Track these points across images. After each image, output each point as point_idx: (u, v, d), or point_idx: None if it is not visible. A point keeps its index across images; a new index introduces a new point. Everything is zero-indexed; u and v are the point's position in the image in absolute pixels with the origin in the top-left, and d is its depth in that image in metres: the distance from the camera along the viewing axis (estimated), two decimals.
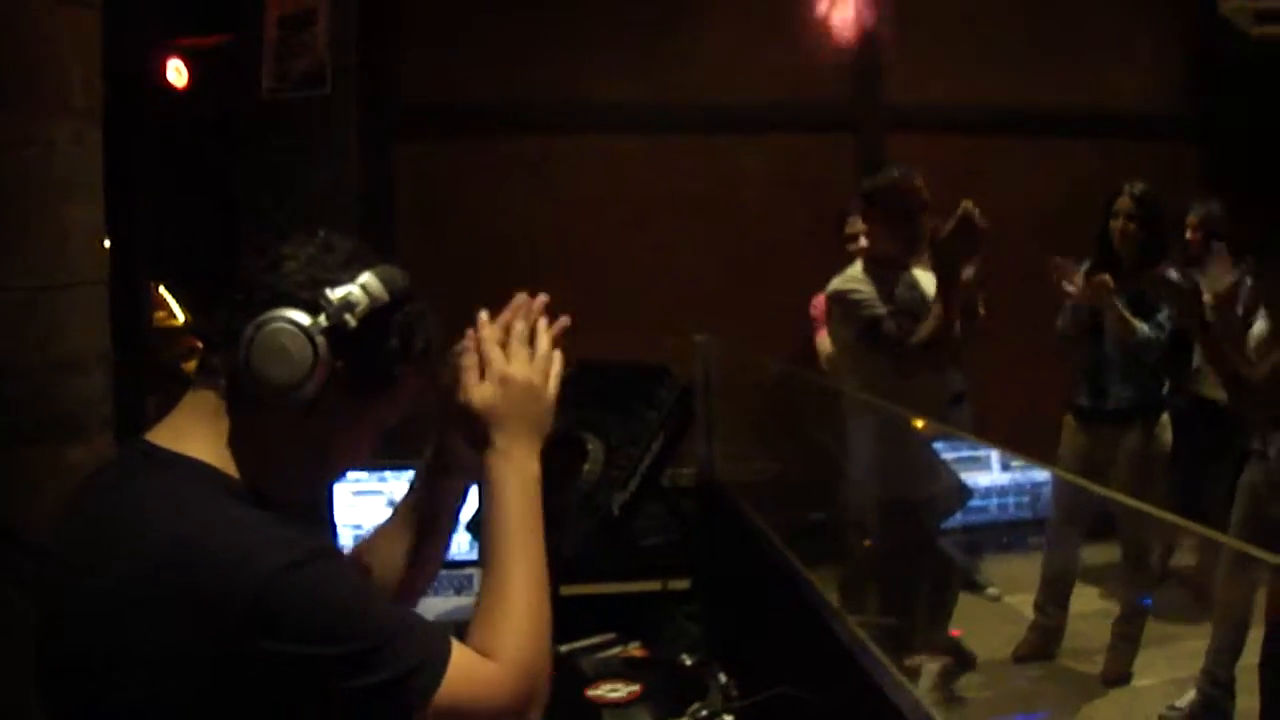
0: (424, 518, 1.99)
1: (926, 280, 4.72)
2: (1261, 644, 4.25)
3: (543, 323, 1.93)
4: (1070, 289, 5.49)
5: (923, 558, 4.73)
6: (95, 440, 3.61)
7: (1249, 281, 4.79)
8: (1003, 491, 7.04)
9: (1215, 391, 5.64)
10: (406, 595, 1.99)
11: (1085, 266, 5.54)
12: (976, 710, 5.26)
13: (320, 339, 1.60)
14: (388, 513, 2.11)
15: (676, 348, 4.25)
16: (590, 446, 3.14)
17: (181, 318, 7.19)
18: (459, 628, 1.69)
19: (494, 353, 1.84)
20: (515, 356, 1.85)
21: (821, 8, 7.61)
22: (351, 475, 3.78)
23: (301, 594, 1.47)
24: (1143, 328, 5.33)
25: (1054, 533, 5.80)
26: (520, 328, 1.89)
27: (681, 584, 3.68)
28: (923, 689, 4.80)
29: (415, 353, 1.73)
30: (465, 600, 3.49)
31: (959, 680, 5.45)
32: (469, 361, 1.84)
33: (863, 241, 5.48)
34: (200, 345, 3.03)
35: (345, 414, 1.69)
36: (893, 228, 4.71)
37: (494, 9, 7.31)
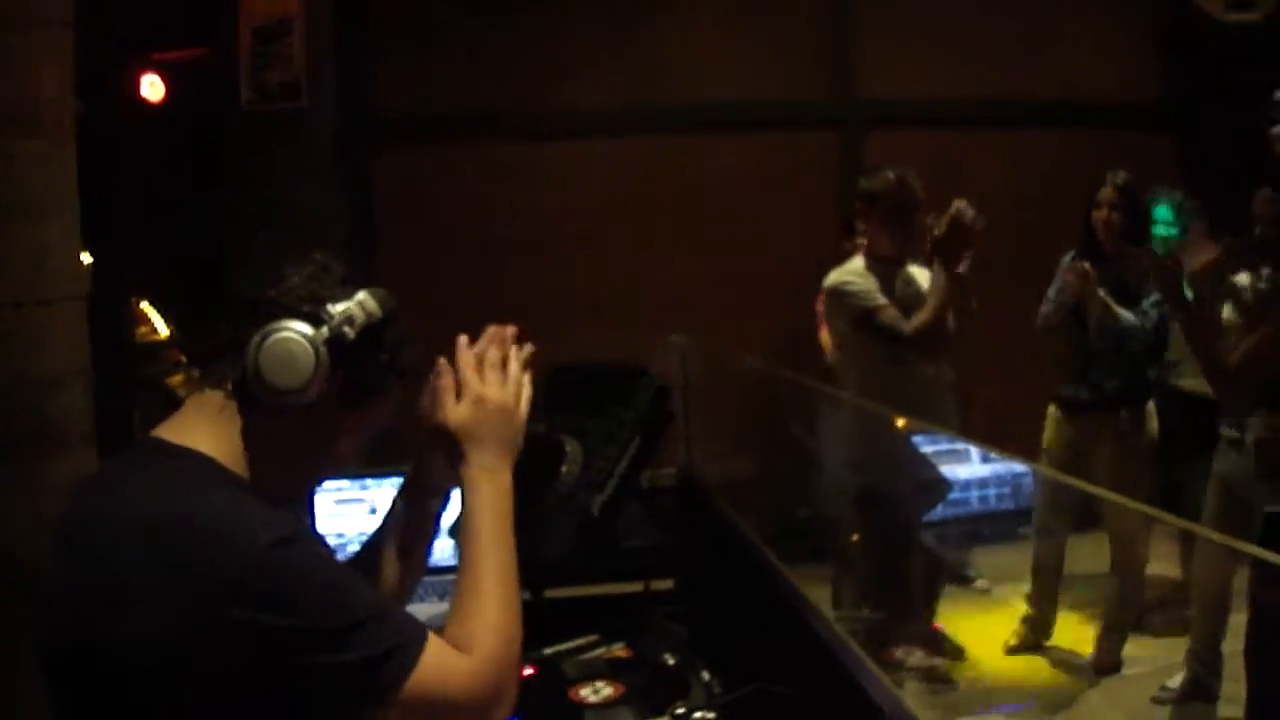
0: (406, 529, 2.13)
1: (923, 277, 4.88)
2: (1245, 631, 4.28)
3: (514, 349, 2.07)
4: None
5: (904, 551, 4.79)
6: (77, 455, 3.61)
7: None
8: (983, 483, 7.05)
9: (1191, 384, 5.65)
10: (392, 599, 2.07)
11: (1068, 257, 5.56)
12: (968, 701, 5.28)
13: (323, 349, 1.77)
14: (370, 520, 2.20)
15: (654, 348, 4.28)
16: (568, 448, 3.14)
17: (165, 332, 7.18)
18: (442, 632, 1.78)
19: (470, 376, 2.00)
20: (489, 380, 2.01)
21: (796, 6, 7.65)
22: (333, 484, 3.80)
23: (283, 570, 1.62)
24: (1127, 315, 5.34)
25: (1041, 524, 5.82)
26: (494, 354, 2.04)
27: (665, 584, 3.70)
28: (910, 681, 4.84)
29: (403, 367, 1.91)
30: (448, 606, 3.50)
31: (947, 672, 5.49)
32: (446, 384, 2.00)
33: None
34: (184, 359, 3.05)
35: (339, 419, 1.87)
36: (890, 227, 4.93)
37: (467, 17, 7.32)
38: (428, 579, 2.45)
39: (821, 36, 7.77)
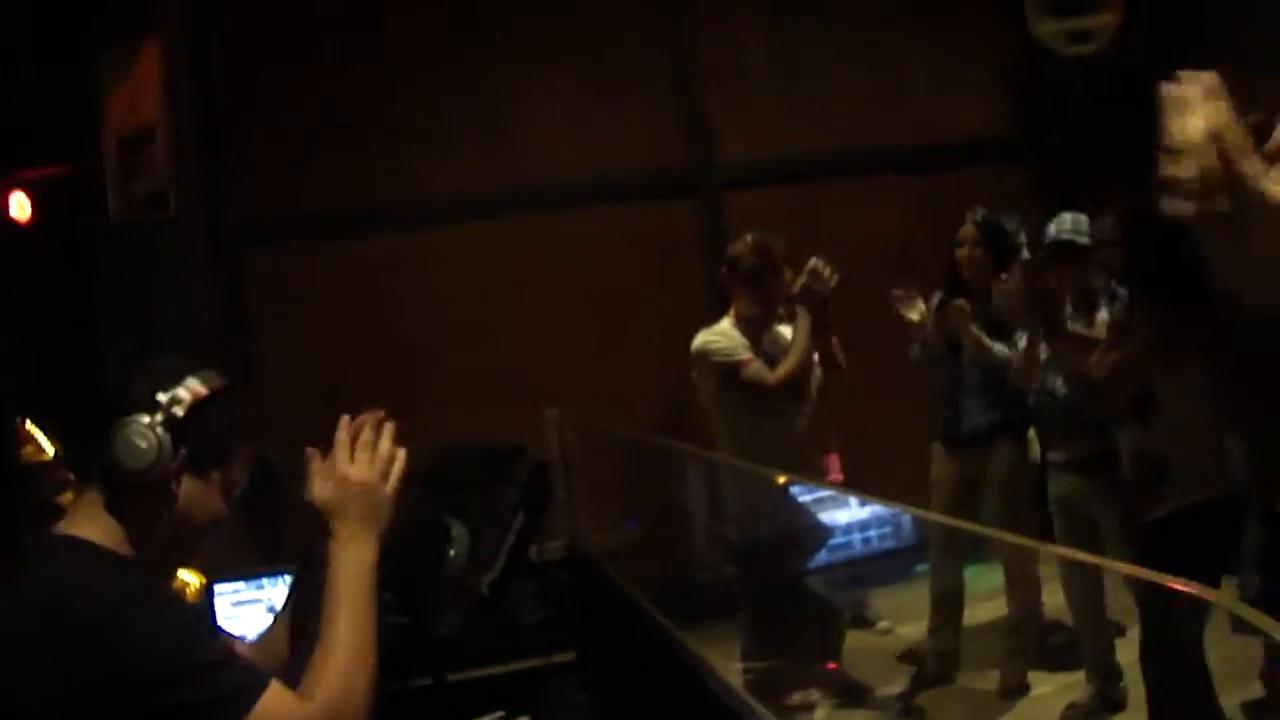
0: (295, 601, 2.35)
1: (790, 334, 5.01)
2: (1139, 640, 4.43)
3: (385, 428, 2.29)
4: (914, 317, 5.64)
5: (792, 599, 4.88)
6: None
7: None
8: (864, 526, 7.09)
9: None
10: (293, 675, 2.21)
11: (938, 297, 5.68)
12: None
13: (159, 431, 2.03)
14: (267, 618, 2.31)
15: (534, 424, 4.36)
16: (453, 531, 3.19)
17: (50, 451, 7.09)
18: None
19: (340, 456, 2.23)
20: (357, 459, 2.23)
21: (646, 78, 7.76)
22: (230, 586, 3.83)
23: (130, 619, 1.92)
24: (1000, 348, 5.47)
25: (935, 559, 5.91)
26: (366, 434, 2.26)
27: (565, 656, 3.75)
28: None
29: (240, 429, 2.20)
30: None
31: (854, 713, 5.56)
32: (316, 466, 2.23)
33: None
34: (72, 476, 3.13)
35: (196, 485, 2.13)
36: (752, 289, 5.06)
37: (327, 116, 7.36)
38: None
39: (676, 104, 7.91)
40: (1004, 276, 5.29)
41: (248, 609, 3.81)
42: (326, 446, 2.25)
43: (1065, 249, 5.07)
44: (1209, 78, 1.19)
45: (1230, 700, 4.30)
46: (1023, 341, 5.25)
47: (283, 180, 7.35)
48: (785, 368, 4.90)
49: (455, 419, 6.27)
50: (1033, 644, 5.71)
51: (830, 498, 6.42)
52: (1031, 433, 5.68)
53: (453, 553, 3.12)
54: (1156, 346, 4.23)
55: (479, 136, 7.55)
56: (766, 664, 4.99)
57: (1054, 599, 5.63)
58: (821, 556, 5.51)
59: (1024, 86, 8.12)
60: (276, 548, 2.34)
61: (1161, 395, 4.27)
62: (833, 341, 5.41)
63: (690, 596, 4.23)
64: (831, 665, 5.76)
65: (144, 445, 2.03)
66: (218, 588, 3.89)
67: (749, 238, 5.17)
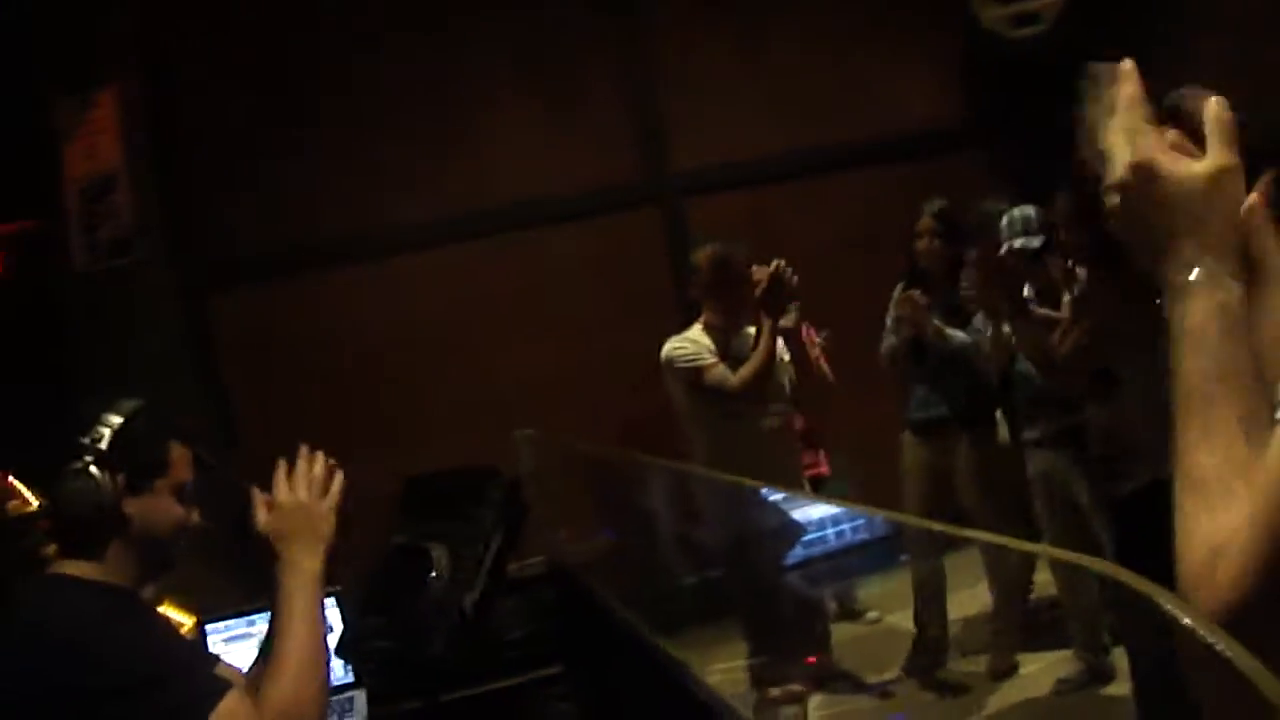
0: (270, 627, 2.43)
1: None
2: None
3: (318, 455, 2.48)
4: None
5: (770, 596, 4.94)
6: None
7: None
8: (836, 520, 7.11)
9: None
10: None
11: (898, 289, 5.74)
12: None
13: (92, 468, 2.25)
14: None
15: (507, 445, 4.42)
16: (434, 554, 3.26)
17: (34, 503, 7.13)
18: None
19: (279, 484, 2.45)
20: (294, 485, 2.44)
21: (600, 91, 7.81)
22: (222, 624, 3.89)
23: (101, 636, 2.17)
24: (960, 335, 5.54)
25: (914, 547, 5.97)
26: (301, 466, 2.46)
27: (551, 670, 3.80)
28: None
29: (166, 435, 2.40)
30: None
31: (847, 704, 5.61)
32: (258, 498, 2.45)
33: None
34: (55, 526, 3.19)
35: (144, 501, 2.33)
36: (717, 297, 5.12)
37: (286, 152, 7.36)
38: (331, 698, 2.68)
39: (632, 117, 7.94)
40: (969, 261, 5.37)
41: (240, 644, 3.85)
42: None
43: (1019, 257, 5.10)
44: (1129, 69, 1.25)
45: None
46: (986, 329, 5.31)
47: (247, 218, 7.36)
48: (747, 371, 4.96)
49: (430, 443, 6.31)
50: (1017, 626, 5.76)
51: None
52: (998, 415, 5.75)
53: (434, 575, 3.19)
54: (1116, 324, 4.28)
55: (439, 162, 7.54)
56: (748, 661, 5.05)
57: (1045, 574, 5.70)
58: (800, 552, 5.55)
59: (974, 74, 8.18)
60: (268, 583, 2.43)
61: (1124, 372, 4.31)
62: (820, 359, 5.57)
63: (667, 602, 4.28)
64: (811, 659, 5.82)
65: (81, 486, 2.25)
66: (210, 626, 3.94)
67: (708, 249, 5.24)
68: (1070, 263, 4.91)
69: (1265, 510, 1.03)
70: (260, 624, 3.87)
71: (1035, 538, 5.41)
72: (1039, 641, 5.76)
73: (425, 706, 3.60)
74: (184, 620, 3.91)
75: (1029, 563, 5.78)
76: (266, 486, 2.49)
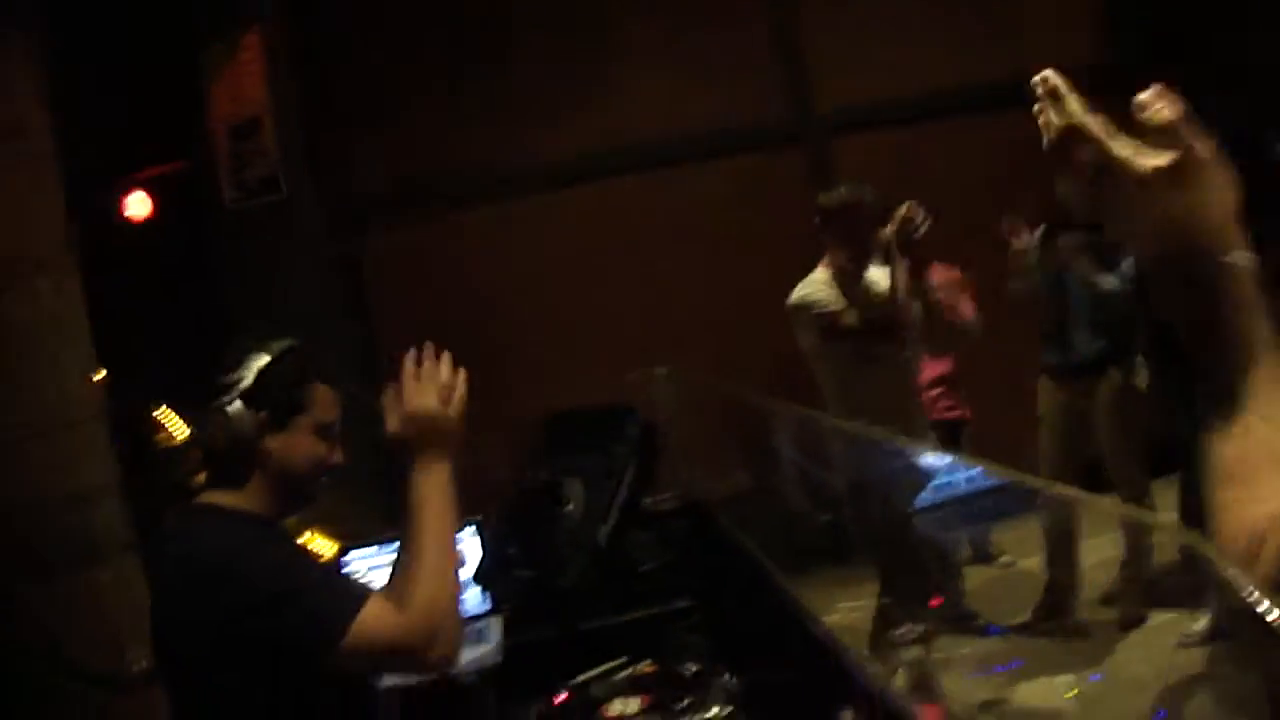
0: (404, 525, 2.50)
1: (885, 277, 5.07)
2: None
3: (444, 358, 2.52)
4: (1019, 246, 5.65)
5: (900, 539, 4.96)
6: (118, 562, 3.83)
7: None
8: (968, 464, 7.06)
9: None
10: None
11: (1043, 229, 5.70)
12: (1001, 675, 5.39)
13: (236, 404, 2.38)
14: None
15: (645, 383, 4.48)
16: (570, 489, 3.37)
17: (183, 434, 7.37)
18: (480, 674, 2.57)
19: (406, 392, 2.48)
20: (422, 392, 2.47)
21: (744, 30, 7.80)
22: (364, 552, 4.02)
23: (246, 560, 2.30)
24: (1106, 279, 5.49)
25: (1046, 493, 5.94)
26: (428, 369, 2.50)
27: (683, 602, 3.88)
28: (934, 661, 4.99)
29: (309, 376, 2.48)
30: (482, 649, 3.70)
31: (974, 646, 5.63)
32: (388, 404, 2.50)
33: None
34: (204, 457, 3.32)
35: (285, 437, 2.43)
36: (847, 241, 5.11)
37: (432, 86, 7.50)
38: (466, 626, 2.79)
39: (773, 55, 7.91)
40: None
41: (380, 572, 3.97)
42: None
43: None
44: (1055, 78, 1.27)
45: None
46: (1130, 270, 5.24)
47: (391, 155, 7.51)
48: (876, 313, 4.96)
49: (569, 380, 6.40)
50: (1147, 573, 5.72)
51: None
52: (1138, 361, 5.70)
53: (570, 508, 3.29)
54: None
55: (580, 99, 7.59)
56: (874, 601, 5.08)
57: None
58: (931, 496, 5.55)
59: (1120, 11, 8.02)
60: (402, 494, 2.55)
61: None
62: (961, 301, 5.58)
63: (795, 541, 4.32)
64: (936, 601, 5.84)
65: (225, 421, 2.38)
66: (350, 554, 4.07)
67: (840, 190, 5.22)
68: None
69: None
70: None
71: None
72: (1170, 596, 5.66)
73: (558, 635, 3.71)
74: (326, 548, 4.05)
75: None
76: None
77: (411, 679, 3.32)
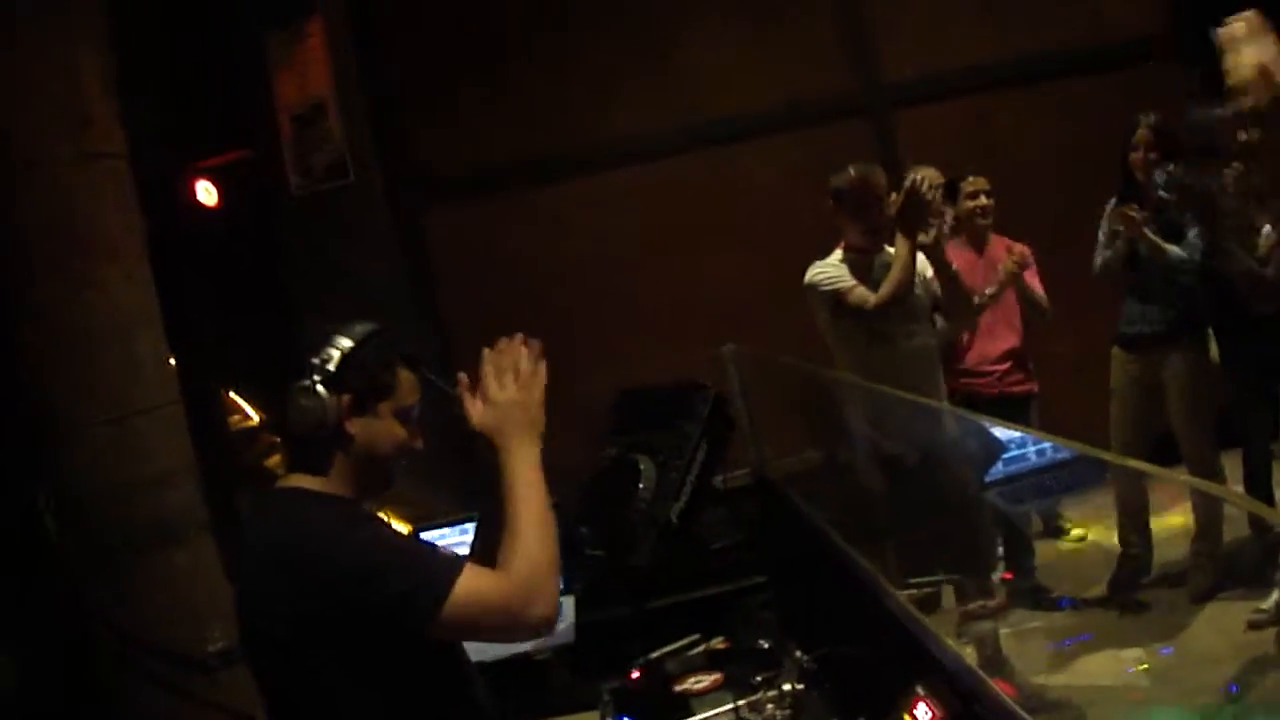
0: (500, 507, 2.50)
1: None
2: None
3: (523, 350, 2.52)
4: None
5: (970, 514, 4.94)
6: (195, 544, 3.89)
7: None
8: (1038, 437, 7.01)
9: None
10: None
11: (1112, 202, 5.66)
12: (1071, 649, 5.38)
13: (319, 388, 2.38)
14: None
15: (715, 359, 4.50)
16: (641, 466, 3.38)
17: (255, 418, 7.45)
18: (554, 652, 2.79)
19: (489, 381, 2.50)
20: (503, 384, 2.49)
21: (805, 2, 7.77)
22: (435, 534, 4.05)
23: (336, 543, 2.30)
24: (1175, 250, 5.45)
25: (1118, 467, 5.90)
26: (507, 359, 2.51)
27: (754, 579, 3.88)
28: (1002, 632, 4.98)
29: (394, 361, 2.48)
30: (556, 628, 3.73)
31: (1044, 620, 5.62)
32: (468, 398, 2.52)
33: (983, 200, 5.98)
34: (278, 440, 3.35)
35: (368, 422, 2.44)
36: (858, 220, 5.14)
37: (495, 66, 7.52)
38: None
39: (839, 28, 7.88)
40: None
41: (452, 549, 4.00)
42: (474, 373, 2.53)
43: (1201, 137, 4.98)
44: (1253, 16, 1.25)
45: None
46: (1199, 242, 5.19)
47: (455, 137, 7.54)
48: (886, 290, 4.94)
49: (638, 357, 6.43)
50: (1219, 548, 5.67)
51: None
52: (1209, 333, 5.65)
53: (641, 486, 3.30)
54: None
55: (646, 76, 7.63)
56: (945, 576, 5.06)
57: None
58: (1001, 469, 5.52)
59: None
60: (479, 493, 2.58)
61: None
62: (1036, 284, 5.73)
63: (867, 516, 4.33)
64: (1008, 575, 5.83)
65: (308, 404, 2.38)
66: (423, 535, 4.10)
67: (852, 170, 5.23)
68: None
69: None
70: (471, 532, 4.04)
71: None
72: (1241, 571, 5.60)
73: (631, 613, 3.73)
74: (401, 528, 4.08)
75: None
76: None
77: (505, 648, 3.39)
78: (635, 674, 3.44)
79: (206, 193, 6.92)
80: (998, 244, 5.97)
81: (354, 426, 2.42)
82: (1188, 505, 5.70)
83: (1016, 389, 5.95)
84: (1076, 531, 6.73)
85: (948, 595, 5.17)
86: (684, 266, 7.49)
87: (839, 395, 4.24)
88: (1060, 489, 6.65)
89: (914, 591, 4.08)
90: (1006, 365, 5.94)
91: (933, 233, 5.02)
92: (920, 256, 4.97)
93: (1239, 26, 1.17)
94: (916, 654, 2.42)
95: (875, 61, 7.93)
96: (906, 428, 4.02)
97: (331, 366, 2.40)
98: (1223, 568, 5.61)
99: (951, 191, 5.93)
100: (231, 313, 7.06)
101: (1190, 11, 7.79)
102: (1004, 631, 5.18)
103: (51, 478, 3.84)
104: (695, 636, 3.60)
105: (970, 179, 5.99)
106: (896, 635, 2.56)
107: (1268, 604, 5.17)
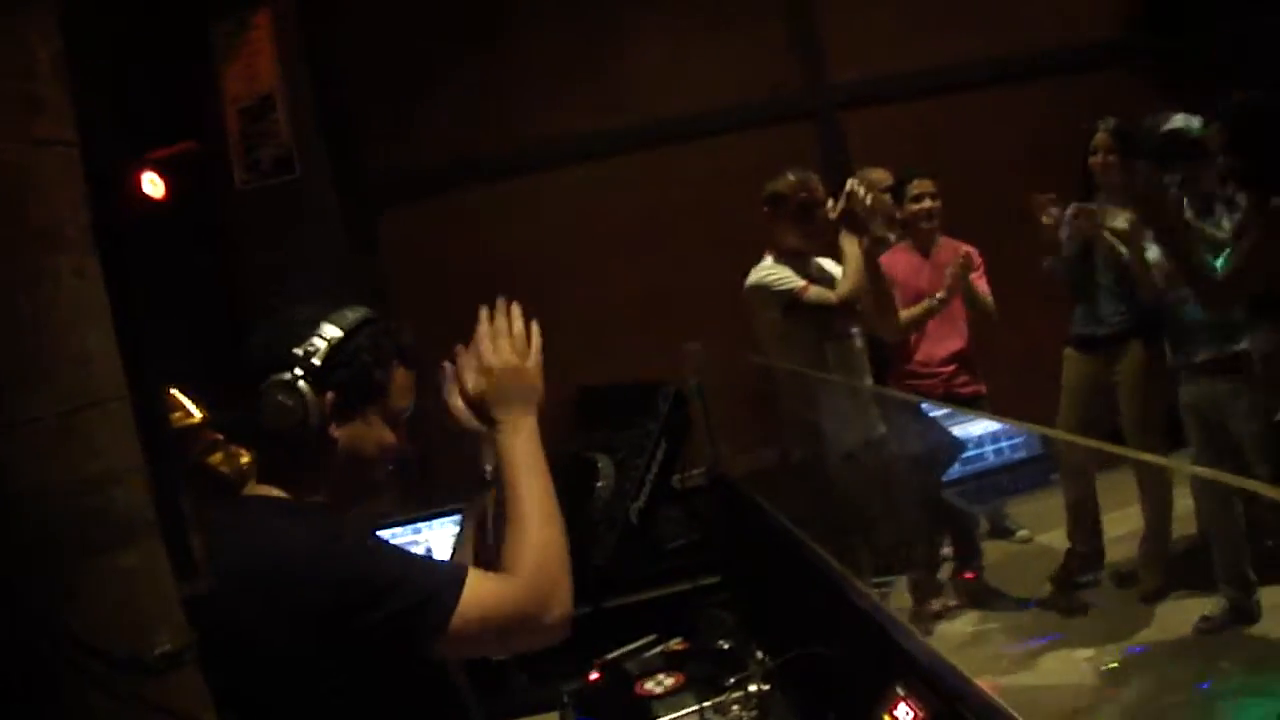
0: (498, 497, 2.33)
1: (830, 266, 5.27)
2: None
3: (515, 311, 2.39)
4: (1047, 221, 5.63)
5: (926, 511, 4.97)
6: (145, 544, 3.80)
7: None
8: (995, 438, 7.09)
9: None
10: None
11: (1073, 205, 5.67)
12: (1022, 648, 5.40)
13: (302, 383, 2.09)
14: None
15: (670, 359, 4.47)
16: (600, 464, 3.36)
17: (198, 415, 7.36)
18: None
19: (483, 347, 2.33)
20: (498, 348, 2.32)
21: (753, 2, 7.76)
22: (388, 532, 3.99)
23: (319, 561, 2.01)
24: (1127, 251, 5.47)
25: (1067, 466, 5.94)
26: (500, 324, 2.36)
27: (711, 579, 3.87)
28: (957, 632, 4.99)
29: (390, 356, 2.22)
30: None
31: (994, 621, 5.63)
32: (463, 362, 2.35)
33: (927, 203, 5.97)
34: (220, 437, 3.30)
35: (354, 425, 2.17)
36: (796, 224, 5.21)
37: (444, 63, 7.47)
38: None
39: (788, 28, 7.87)
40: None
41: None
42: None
43: (1173, 140, 5.02)
44: None
45: None
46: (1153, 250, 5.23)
47: (406, 133, 7.48)
48: (845, 286, 5.05)
49: (593, 358, 6.39)
50: (1166, 549, 5.70)
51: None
52: (1163, 335, 5.68)
53: (600, 485, 3.27)
54: (1276, 246, 4.20)
55: (596, 75, 7.61)
56: (904, 576, 5.09)
57: (1184, 503, 5.63)
58: (957, 469, 5.55)
59: None
60: (432, 491, 2.49)
61: None
62: (983, 287, 5.77)
63: (827, 515, 4.32)
64: (969, 575, 5.85)
65: (290, 403, 2.09)
66: (379, 535, 4.04)
67: (790, 175, 5.27)
68: (1229, 187, 4.82)
69: None
70: (426, 531, 3.99)
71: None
72: (1187, 578, 5.64)
73: (589, 612, 3.70)
74: None
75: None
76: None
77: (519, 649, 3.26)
78: (594, 675, 3.42)
79: (152, 185, 6.81)
80: (946, 247, 5.97)
81: (338, 431, 2.14)
82: (1136, 506, 5.74)
83: (963, 390, 5.97)
84: (1022, 532, 6.76)
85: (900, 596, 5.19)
86: (635, 267, 7.47)
87: (798, 394, 4.24)
88: (1007, 490, 6.71)
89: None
90: (953, 367, 5.95)
91: (891, 235, 5.07)
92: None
93: None
94: (891, 653, 2.40)
95: (823, 63, 7.93)
96: (872, 426, 4.03)
97: (317, 360, 2.11)
98: (1172, 569, 5.64)
99: (897, 194, 5.95)
100: (177, 307, 6.96)
101: (1145, 20, 7.88)
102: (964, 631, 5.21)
103: None
104: (652, 637, 3.59)
105: (915, 181, 5.99)
106: (868, 634, 2.53)
107: (1210, 612, 5.22)
